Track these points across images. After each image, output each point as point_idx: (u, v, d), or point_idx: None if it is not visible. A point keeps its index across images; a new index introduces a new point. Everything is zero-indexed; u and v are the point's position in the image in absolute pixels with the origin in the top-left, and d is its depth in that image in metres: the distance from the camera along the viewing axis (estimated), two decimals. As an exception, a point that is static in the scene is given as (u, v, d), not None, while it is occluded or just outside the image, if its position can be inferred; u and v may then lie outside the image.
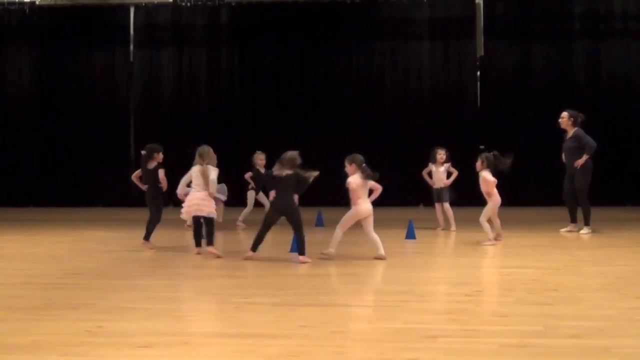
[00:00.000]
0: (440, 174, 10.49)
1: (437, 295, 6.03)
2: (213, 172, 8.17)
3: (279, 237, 9.48)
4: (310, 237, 9.67)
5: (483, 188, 8.99)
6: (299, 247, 7.68)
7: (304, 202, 15.07)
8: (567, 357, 4.03)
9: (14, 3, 15.66)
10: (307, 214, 12.24)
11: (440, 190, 10.47)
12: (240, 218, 11.29)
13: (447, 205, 10.43)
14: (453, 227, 10.34)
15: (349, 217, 7.82)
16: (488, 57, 15.28)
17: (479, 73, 15.38)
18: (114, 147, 15.44)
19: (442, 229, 10.42)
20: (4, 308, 5.43)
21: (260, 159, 11.40)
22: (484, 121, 15.12)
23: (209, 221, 8.23)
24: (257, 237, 7.89)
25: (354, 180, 7.69)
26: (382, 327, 4.75)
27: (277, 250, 8.53)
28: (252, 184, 11.42)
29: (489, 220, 8.91)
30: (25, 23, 15.90)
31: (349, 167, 7.79)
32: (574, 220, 10.06)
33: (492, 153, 9.06)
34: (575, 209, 10.06)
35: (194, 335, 4.64)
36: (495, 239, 8.96)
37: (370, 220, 7.80)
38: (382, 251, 7.76)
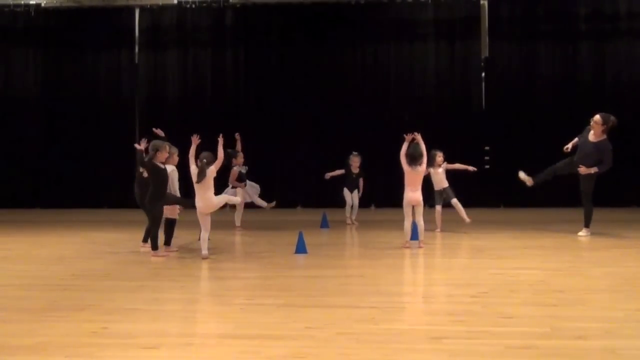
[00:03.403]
0: (440, 175, 10.44)
1: (442, 297, 6.02)
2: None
3: (283, 239, 9.49)
4: (316, 238, 9.68)
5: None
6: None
7: (308, 203, 15.20)
8: (573, 359, 4.02)
9: (20, 5, 15.70)
10: (312, 216, 12.28)
11: (442, 191, 10.43)
12: (353, 216, 11.55)
13: (454, 200, 10.37)
14: (438, 229, 10.29)
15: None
16: (493, 58, 15.26)
17: (484, 74, 15.35)
18: (119, 149, 15.45)
19: (440, 231, 10.34)
20: (10, 309, 5.44)
21: (355, 160, 11.58)
22: (488, 122, 15.10)
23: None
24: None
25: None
26: (387, 328, 4.75)
27: (282, 251, 8.52)
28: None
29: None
30: (30, 25, 15.93)
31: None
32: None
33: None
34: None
35: (199, 336, 4.64)
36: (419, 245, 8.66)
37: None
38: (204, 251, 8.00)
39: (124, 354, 4.21)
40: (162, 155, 8.21)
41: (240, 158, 10.94)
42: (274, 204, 11.05)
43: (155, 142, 8.28)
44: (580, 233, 9.74)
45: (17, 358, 4.15)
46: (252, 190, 11.04)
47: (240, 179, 10.86)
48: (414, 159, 8.54)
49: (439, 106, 15.11)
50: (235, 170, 10.75)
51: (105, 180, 15.28)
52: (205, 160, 7.97)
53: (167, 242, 8.55)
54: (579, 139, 9.87)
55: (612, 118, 9.52)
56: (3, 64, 16.18)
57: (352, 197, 11.60)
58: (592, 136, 9.63)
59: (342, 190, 11.66)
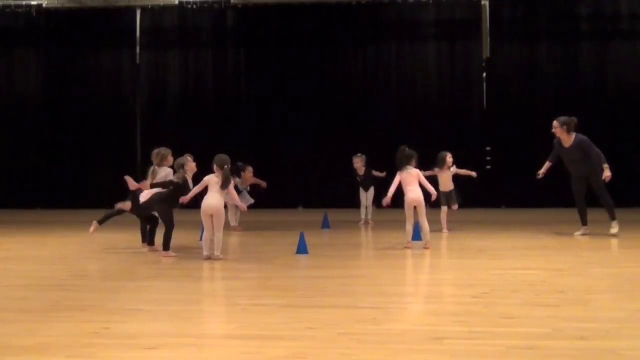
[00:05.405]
0: (448, 177, 10.41)
1: (444, 297, 6.01)
2: (162, 172, 8.61)
3: (284, 239, 9.49)
4: (317, 239, 9.69)
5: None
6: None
7: (310, 203, 15.21)
8: (574, 359, 4.01)
9: (21, 6, 15.73)
10: (314, 216, 12.28)
11: (449, 192, 10.41)
12: (368, 216, 11.54)
13: (455, 207, 10.38)
14: (444, 229, 10.27)
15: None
16: (494, 59, 15.27)
17: (485, 74, 15.36)
18: (120, 149, 15.49)
19: (447, 231, 10.33)
20: (11, 309, 5.45)
21: (357, 161, 11.63)
22: (490, 122, 15.11)
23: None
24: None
25: (208, 177, 7.97)
26: (389, 328, 4.75)
27: (283, 251, 8.52)
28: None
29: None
30: (32, 25, 15.97)
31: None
32: (585, 222, 9.90)
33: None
34: (586, 211, 9.88)
35: (200, 336, 4.64)
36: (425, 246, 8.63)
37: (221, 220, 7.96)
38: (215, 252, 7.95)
39: (125, 354, 4.21)
40: (190, 169, 8.30)
41: (248, 173, 10.93)
42: (238, 228, 10.91)
43: (179, 159, 8.32)
44: (612, 230, 9.61)
45: (18, 358, 4.15)
46: (241, 197, 10.96)
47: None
48: (401, 162, 8.51)
49: (440, 106, 15.13)
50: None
51: (106, 180, 15.28)
52: (226, 167, 7.96)
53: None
54: (555, 155, 9.86)
55: (573, 118, 9.53)
56: (4, 64, 16.22)
57: (365, 197, 11.57)
58: (565, 142, 9.63)
59: (346, 190, 11.67)
